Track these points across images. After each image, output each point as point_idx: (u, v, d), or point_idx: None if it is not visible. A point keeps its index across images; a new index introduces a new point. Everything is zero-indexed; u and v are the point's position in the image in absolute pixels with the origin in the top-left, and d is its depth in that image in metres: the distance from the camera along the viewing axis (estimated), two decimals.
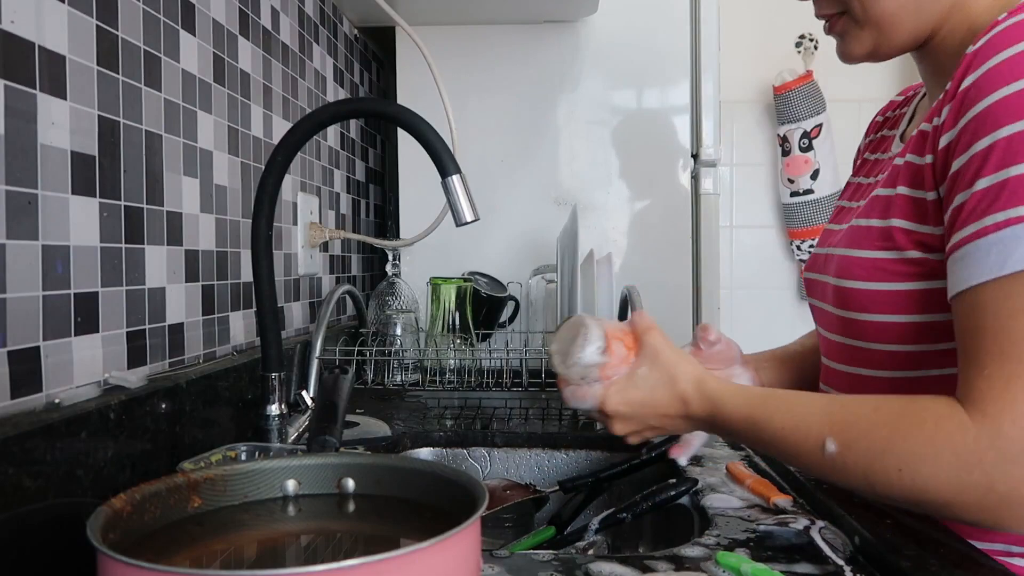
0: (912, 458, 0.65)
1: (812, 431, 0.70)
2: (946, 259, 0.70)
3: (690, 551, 0.71)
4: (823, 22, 0.87)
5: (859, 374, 0.82)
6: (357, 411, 1.30)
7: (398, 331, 1.57)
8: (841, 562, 0.66)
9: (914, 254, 0.75)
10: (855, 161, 1.04)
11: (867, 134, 1.03)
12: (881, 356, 0.79)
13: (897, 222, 0.76)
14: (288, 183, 1.38)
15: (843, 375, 0.85)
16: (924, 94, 0.92)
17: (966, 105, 0.68)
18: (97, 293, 0.80)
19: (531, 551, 0.77)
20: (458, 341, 1.48)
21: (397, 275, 1.62)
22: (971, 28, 0.79)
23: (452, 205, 0.89)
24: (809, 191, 2.30)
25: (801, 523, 0.73)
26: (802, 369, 1.03)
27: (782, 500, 0.82)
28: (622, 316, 1.44)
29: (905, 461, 0.65)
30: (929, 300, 0.74)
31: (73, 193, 0.76)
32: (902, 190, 0.76)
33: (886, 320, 0.77)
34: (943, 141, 0.71)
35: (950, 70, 0.80)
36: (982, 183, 0.66)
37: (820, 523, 0.72)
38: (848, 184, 0.99)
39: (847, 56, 0.86)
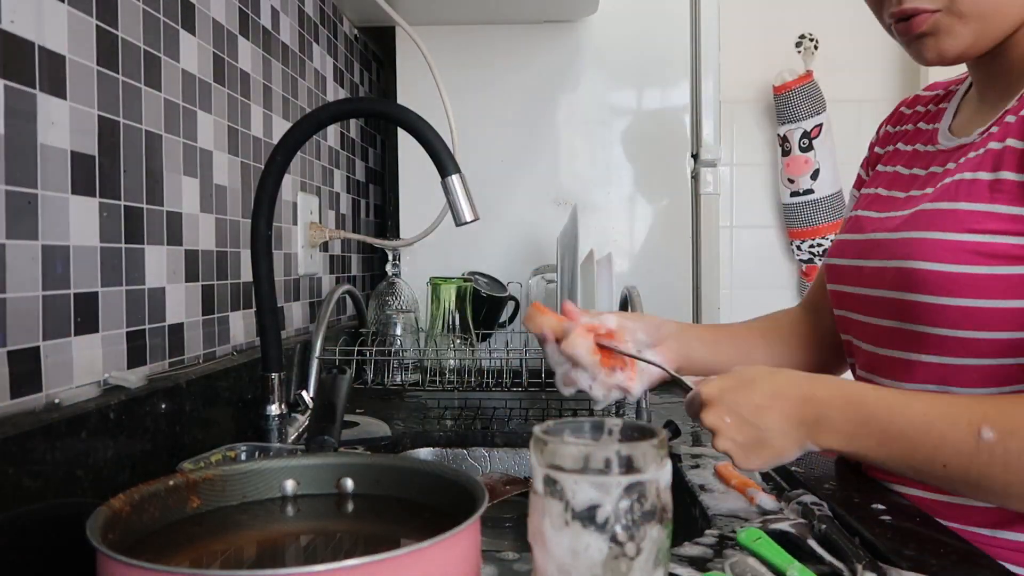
0: None
1: (962, 415, 0.65)
2: None
3: (690, 550, 0.71)
4: (891, 22, 0.81)
5: (921, 361, 0.80)
6: (357, 411, 1.30)
7: (398, 331, 1.57)
8: (840, 563, 0.66)
9: (1020, 239, 0.72)
10: (873, 151, 1.02)
11: (891, 123, 1.01)
12: (953, 343, 0.77)
13: (1001, 207, 0.74)
14: (288, 183, 1.38)
15: (899, 361, 0.83)
16: (967, 91, 0.91)
17: None
18: (97, 293, 0.80)
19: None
20: (458, 341, 1.48)
21: (397, 275, 1.62)
22: None
23: (452, 205, 0.89)
24: (809, 191, 2.30)
25: (799, 523, 0.73)
26: (747, 348, 1.00)
27: (767, 499, 0.82)
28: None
29: None
30: None
31: (73, 193, 0.76)
32: (1007, 174, 0.74)
33: (970, 305, 0.75)
34: None
35: (1020, 70, 0.80)
36: None
37: (819, 523, 0.72)
38: (879, 174, 0.97)
39: (937, 56, 0.80)
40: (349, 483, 0.66)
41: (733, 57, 2.28)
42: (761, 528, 0.72)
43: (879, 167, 0.98)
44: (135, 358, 0.87)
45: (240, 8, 1.17)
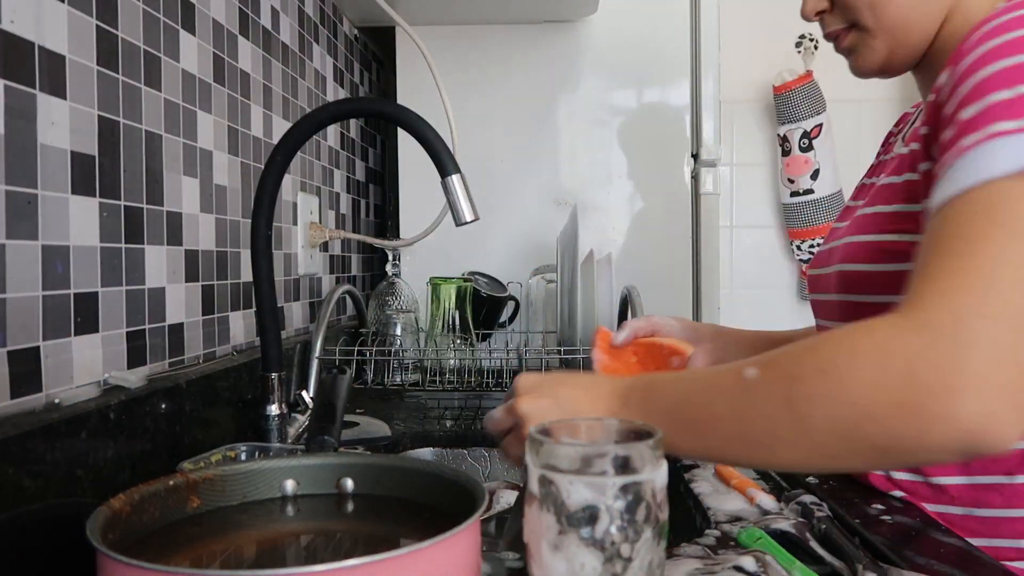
0: (832, 356, 0.57)
1: (734, 367, 0.64)
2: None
3: (690, 550, 0.71)
4: (831, 42, 0.87)
5: None
6: (357, 411, 1.30)
7: (398, 331, 1.57)
8: (840, 563, 0.66)
9: (915, 236, 0.74)
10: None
11: (896, 125, 1.04)
12: None
13: (903, 207, 0.77)
14: (288, 183, 1.38)
15: None
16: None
17: (956, 62, 0.69)
18: (97, 293, 0.80)
19: None
20: (458, 341, 1.48)
21: (397, 275, 1.62)
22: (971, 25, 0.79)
23: (452, 205, 0.89)
24: (809, 191, 2.30)
25: (799, 523, 0.73)
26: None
27: (767, 499, 0.82)
28: (622, 316, 1.44)
29: (825, 359, 0.57)
30: None
31: (73, 193, 0.76)
32: (908, 175, 0.78)
33: (892, 302, 0.77)
34: (940, 98, 0.71)
35: None
36: (964, 113, 0.64)
37: (819, 523, 0.72)
38: (856, 186, 1.02)
39: (861, 70, 0.86)
40: (349, 483, 0.66)
41: (733, 57, 2.28)
42: (761, 528, 0.72)
43: (862, 180, 1.02)
44: (135, 358, 0.87)
45: (240, 8, 1.17)
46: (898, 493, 0.83)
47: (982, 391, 0.52)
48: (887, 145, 1.00)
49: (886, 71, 0.86)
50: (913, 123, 0.93)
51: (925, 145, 0.74)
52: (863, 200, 0.92)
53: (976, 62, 0.66)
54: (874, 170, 0.98)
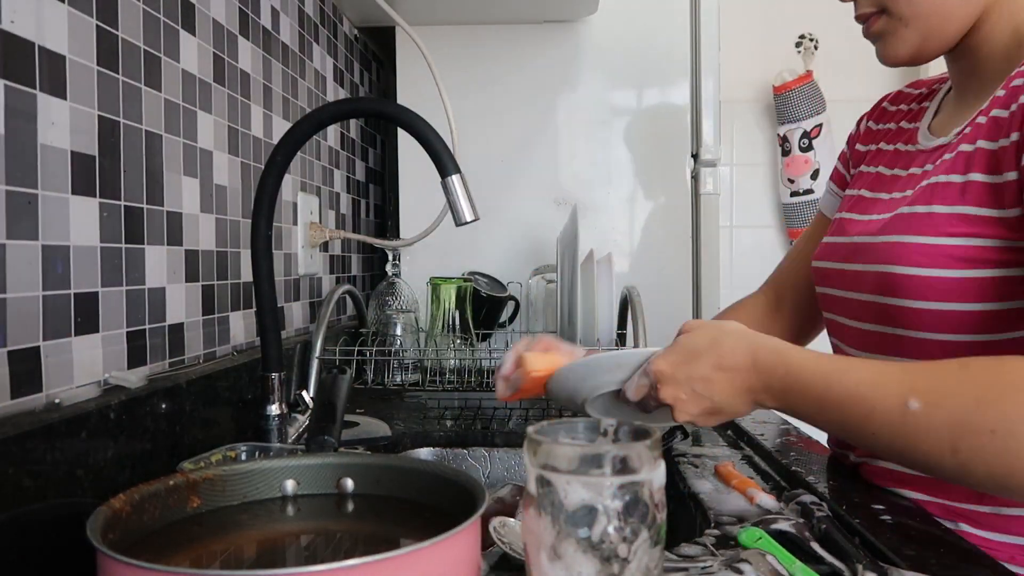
0: (1007, 421, 0.59)
1: (892, 387, 0.65)
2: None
3: (690, 550, 0.71)
4: (861, 25, 0.84)
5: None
6: (357, 411, 1.30)
7: (398, 331, 1.57)
8: (840, 563, 0.66)
9: (993, 242, 0.73)
10: (852, 147, 1.02)
11: (873, 118, 1.01)
12: (931, 345, 0.77)
13: (973, 209, 0.74)
14: (288, 183, 1.38)
15: None
16: (949, 90, 0.91)
17: None
18: (97, 293, 0.80)
19: None
20: (458, 341, 1.48)
21: (397, 275, 1.62)
22: (1017, 25, 0.78)
23: (452, 205, 0.89)
24: (809, 191, 2.30)
25: (799, 523, 0.73)
26: None
27: (767, 499, 0.82)
28: (622, 316, 1.44)
29: (1000, 422, 0.60)
30: (1005, 287, 0.73)
31: (73, 193, 0.76)
32: (977, 176, 0.75)
33: (946, 308, 0.75)
34: None
35: (994, 67, 0.80)
36: None
37: (819, 523, 0.72)
38: (862, 174, 0.97)
39: (890, 58, 0.83)
40: (349, 483, 0.66)
41: (733, 57, 2.28)
42: (761, 528, 0.72)
43: (862, 167, 0.98)
44: (135, 358, 0.87)
45: (240, 8, 1.17)
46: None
47: None
48: (893, 131, 0.96)
49: (915, 60, 0.83)
50: (935, 114, 0.90)
51: (1003, 152, 0.72)
52: (889, 194, 0.87)
53: None
54: (885, 157, 0.93)
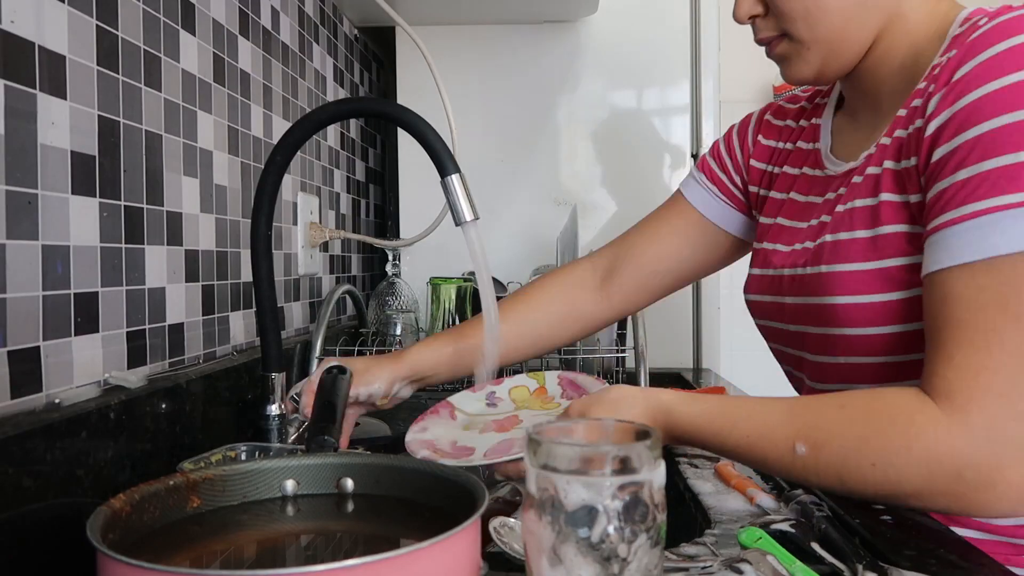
0: (885, 453, 0.66)
1: (779, 436, 0.71)
2: (923, 243, 0.70)
3: (690, 550, 0.71)
4: (763, 46, 0.85)
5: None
6: None
7: (398, 331, 1.57)
8: (840, 563, 0.66)
9: (913, 259, 0.73)
10: (748, 161, 1.01)
11: (763, 133, 1.00)
12: (887, 369, 0.78)
13: (889, 228, 0.75)
14: (288, 183, 1.38)
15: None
16: (839, 105, 0.91)
17: (955, 95, 0.68)
18: (97, 293, 0.80)
19: None
20: None
21: (397, 275, 1.62)
22: (913, 44, 0.79)
23: (452, 205, 0.88)
24: None
25: (799, 523, 0.73)
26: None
27: (767, 499, 0.82)
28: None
29: (879, 456, 0.66)
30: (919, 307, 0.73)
31: (73, 193, 0.76)
32: (887, 196, 0.76)
33: (890, 331, 0.76)
34: (930, 129, 0.70)
35: (892, 86, 0.81)
36: (964, 173, 0.66)
37: (819, 523, 0.72)
38: (774, 201, 0.96)
39: (793, 79, 0.84)
40: (349, 483, 0.66)
41: (733, 57, 2.28)
42: (761, 528, 0.72)
43: (772, 193, 0.97)
44: (135, 358, 0.87)
45: (240, 8, 1.17)
46: None
47: (1015, 484, 0.63)
48: (793, 153, 0.95)
49: (818, 81, 0.84)
50: (831, 134, 0.90)
51: (916, 174, 0.72)
52: (807, 222, 0.87)
53: (980, 104, 0.66)
54: (788, 182, 0.93)
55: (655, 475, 0.46)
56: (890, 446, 0.66)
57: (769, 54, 0.85)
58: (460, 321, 1.50)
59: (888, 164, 0.76)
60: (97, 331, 0.80)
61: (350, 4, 1.71)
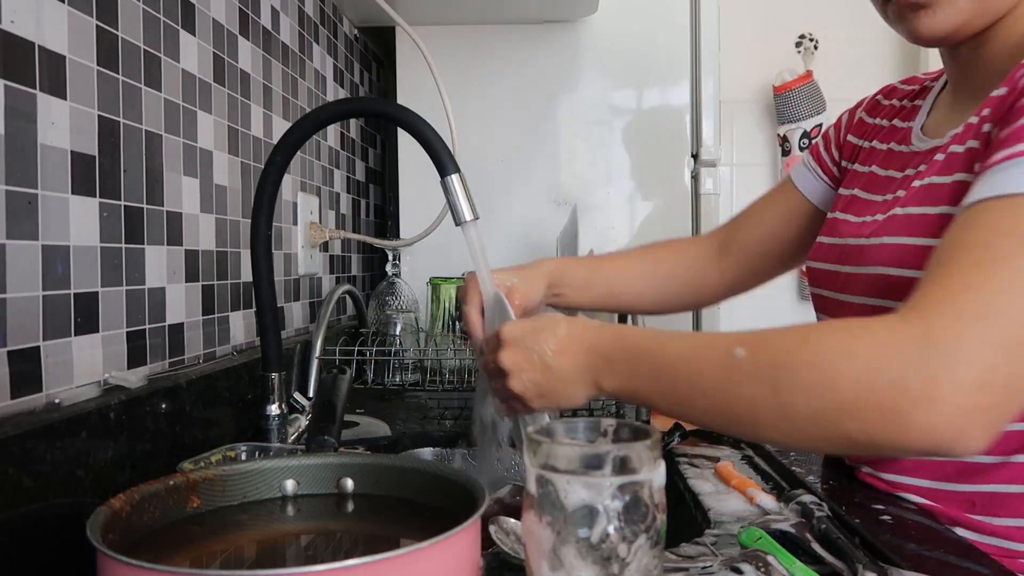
0: (826, 351, 0.58)
1: (720, 342, 0.63)
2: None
3: (690, 550, 0.71)
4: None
5: None
6: (357, 411, 1.30)
7: (398, 331, 1.57)
8: (840, 563, 0.66)
9: None
10: (845, 138, 1.01)
11: (867, 111, 1.00)
12: None
13: (949, 209, 0.74)
14: (288, 183, 1.38)
15: None
16: (944, 87, 0.90)
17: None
18: (97, 293, 0.80)
19: None
20: (458, 341, 1.48)
21: (397, 275, 1.62)
22: None
23: (451, 204, 0.88)
24: None
25: (799, 523, 0.73)
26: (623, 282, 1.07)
27: (767, 499, 0.82)
28: (622, 316, 1.44)
29: (817, 354, 0.58)
30: None
31: (73, 193, 0.76)
32: (960, 176, 0.75)
33: None
34: (987, 128, 0.70)
35: (998, 66, 0.78)
36: (1020, 122, 0.64)
37: (819, 523, 0.72)
38: (856, 174, 0.96)
39: (930, 29, 0.78)
40: (349, 483, 0.66)
41: (733, 57, 2.28)
42: (761, 528, 0.72)
43: (856, 166, 0.97)
44: (135, 358, 0.87)
45: (240, 8, 1.17)
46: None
47: (963, 409, 0.54)
48: (887, 130, 0.95)
49: (956, 34, 0.78)
50: (929, 112, 0.90)
51: (985, 144, 0.72)
52: (882, 196, 0.87)
53: None
54: (878, 157, 0.93)
55: (655, 475, 0.46)
56: (833, 345, 0.58)
57: (902, 3, 0.78)
58: (460, 321, 1.50)
59: (972, 143, 0.75)
60: (97, 331, 0.80)
61: (350, 4, 1.71)
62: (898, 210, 0.81)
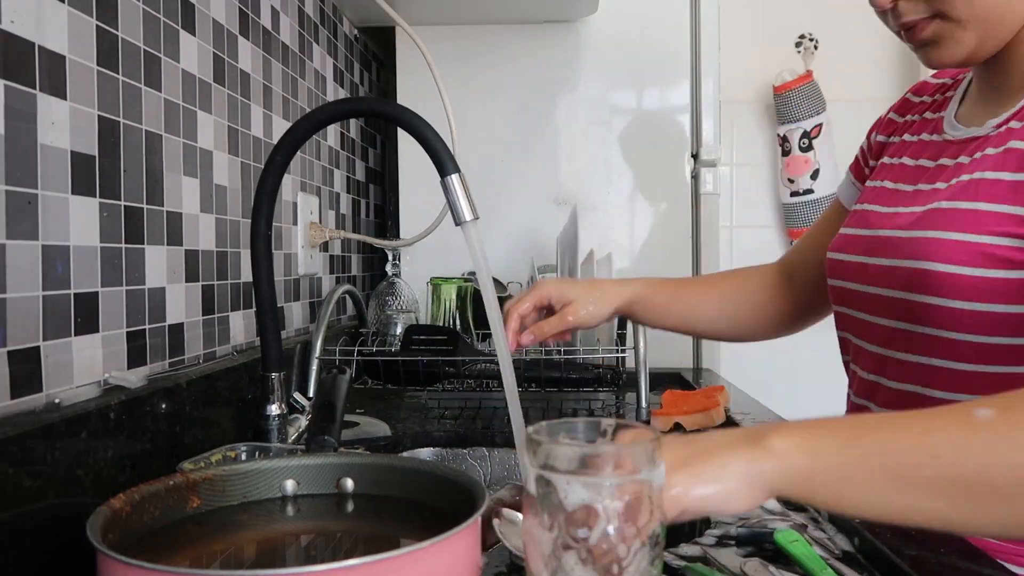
0: None
1: (949, 408, 0.53)
2: None
3: (690, 550, 0.71)
4: (900, 32, 0.81)
5: (931, 364, 0.79)
6: (357, 411, 1.30)
7: (398, 331, 1.57)
8: (838, 563, 0.66)
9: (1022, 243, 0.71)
10: (874, 139, 1.01)
11: (897, 111, 1.00)
12: (963, 346, 0.76)
13: (1013, 208, 0.73)
14: (288, 183, 1.38)
15: (905, 364, 0.82)
16: (970, 81, 0.90)
17: None
18: (97, 293, 0.80)
19: None
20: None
21: (397, 275, 1.62)
22: None
23: (451, 204, 0.88)
24: (809, 191, 2.30)
25: (797, 522, 0.73)
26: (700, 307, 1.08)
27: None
28: (621, 317, 1.44)
29: None
30: None
31: (73, 193, 0.76)
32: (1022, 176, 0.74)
33: (981, 309, 0.74)
34: None
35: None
36: None
37: (819, 523, 0.72)
38: (884, 166, 0.95)
39: (943, 62, 0.80)
40: (349, 483, 0.66)
41: (733, 57, 2.28)
42: (754, 536, 0.72)
43: (884, 159, 0.96)
44: (135, 358, 0.87)
45: (240, 8, 1.17)
46: None
47: None
48: (918, 123, 0.94)
49: (967, 63, 0.80)
50: (960, 102, 0.88)
51: None
52: (914, 186, 0.85)
53: None
54: (911, 149, 0.91)
55: (655, 475, 0.46)
56: None
57: (913, 38, 0.80)
58: (460, 321, 1.50)
59: (1014, 143, 0.74)
60: (97, 331, 0.80)
61: (350, 4, 1.71)
62: (942, 203, 0.79)
